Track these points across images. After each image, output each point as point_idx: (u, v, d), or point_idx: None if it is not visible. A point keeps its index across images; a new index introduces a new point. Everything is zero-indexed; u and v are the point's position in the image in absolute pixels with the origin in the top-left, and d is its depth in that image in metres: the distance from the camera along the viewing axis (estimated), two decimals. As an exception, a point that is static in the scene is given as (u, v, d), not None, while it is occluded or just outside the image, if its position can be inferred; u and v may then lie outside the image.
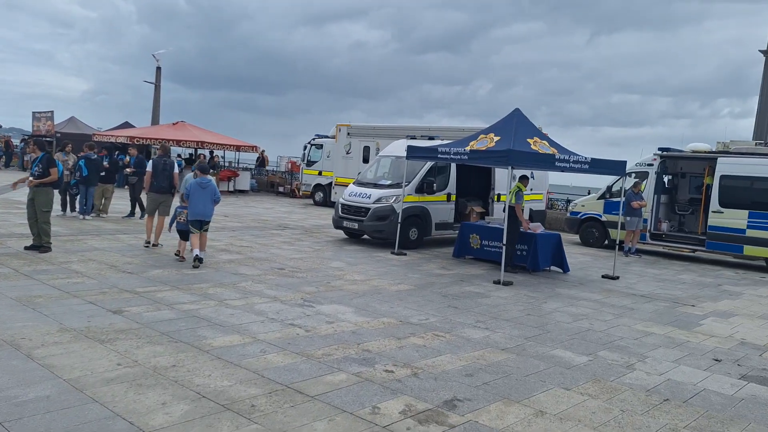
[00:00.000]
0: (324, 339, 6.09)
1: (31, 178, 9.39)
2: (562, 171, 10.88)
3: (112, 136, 26.63)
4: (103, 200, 14.66)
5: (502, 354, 6.04)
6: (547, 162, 10.38)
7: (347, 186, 15.46)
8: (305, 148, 25.02)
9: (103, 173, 14.32)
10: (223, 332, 6.04)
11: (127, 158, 16.20)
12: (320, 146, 24.35)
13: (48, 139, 31.68)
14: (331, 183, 23.21)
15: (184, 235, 9.87)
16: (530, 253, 11.12)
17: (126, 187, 15.95)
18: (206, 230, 9.88)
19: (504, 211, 10.82)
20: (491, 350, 6.14)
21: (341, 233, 14.72)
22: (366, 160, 21.64)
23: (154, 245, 10.89)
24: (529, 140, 10.72)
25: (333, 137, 23.51)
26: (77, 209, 14.25)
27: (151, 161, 11.71)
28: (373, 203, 13.35)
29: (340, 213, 13.93)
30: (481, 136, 11.17)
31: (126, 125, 32.61)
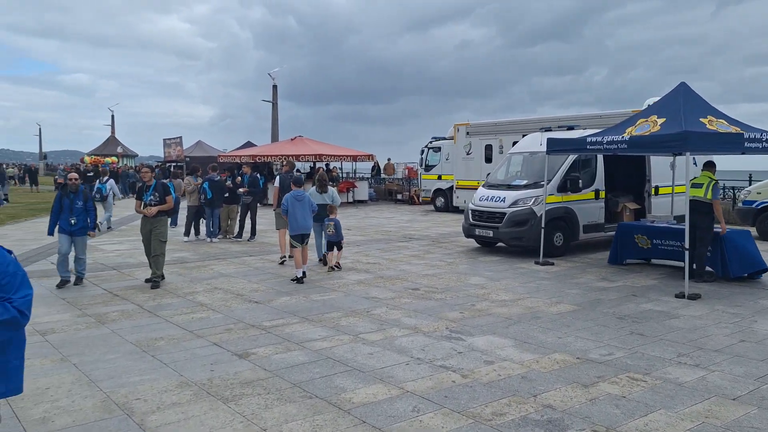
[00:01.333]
0: (488, 388, 4.82)
1: (150, 208, 8.81)
2: (754, 153, 8.81)
3: (235, 156, 27.22)
4: (228, 221, 14.45)
5: (736, 407, 4.43)
6: (734, 143, 8.38)
7: (469, 188, 14.29)
8: (422, 152, 23.96)
9: (226, 194, 14.09)
10: (364, 380, 4.97)
11: (240, 177, 15.61)
12: (438, 149, 23.18)
13: (178, 163, 33.39)
14: (452, 187, 21.93)
15: (331, 246, 10.24)
16: (718, 256, 9.12)
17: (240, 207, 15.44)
18: (307, 243, 9.61)
19: (687, 206, 8.83)
20: (718, 401, 4.55)
21: (472, 242, 13.39)
22: (489, 160, 20.13)
23: (290, 256, 10.52)
24: (702, 120, 8.79)
25: (451, 138, 22.23)
26: (204, 232, 14.13)
27: (278, 177, 11.95)
28: (509, 207, 11.90)
29: (471, 220, 12.60)
30: (640, 120, 9.36)
31: (248, 144, 33.52)
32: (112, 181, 16.93)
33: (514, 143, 18.92)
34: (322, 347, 5.93)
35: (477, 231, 12.43)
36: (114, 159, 39.32)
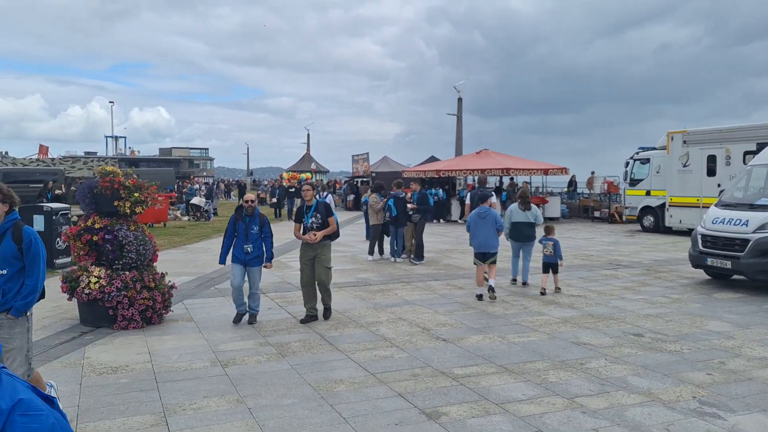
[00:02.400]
0: None
1: (313, 234, 7.62)
2: None
3: (420, 171, 26.97)
4: (413, 240, 13.83)
5: None
6: None
7: (686, 206, 11.93)
8: (627, 164, 21.37)
9: (411, 212, 13.48)
10: (594, 477, 3.67)
11: (409, 194, 14.59)
12: (646, 161, 20.46)
13: (365, 178, 34.25)
14: (663, 204, 19.12)
15: (547, 268, 9.65)
16: None
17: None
18: (494, 262, 9.17)
19: None
20: None
21: (700, 273, 11.09)
22: (712, 173, 17.15)
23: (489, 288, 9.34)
24: None
25: (662, 149, 19.45)
26: (387, 251, 13.64)
27: (468, 193, 11.28)
28: (754, 232, 9.55)
29: (701, 247, 10.38)
30: None
31: (432, 159, 33.25)
32: (330, 196, 17.22)
33: (747, 153, 15.86)
34: (530, 413, 4.72)
35: (709, 260, 10.19)
36: (308, 174, 41.76)
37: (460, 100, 34.29)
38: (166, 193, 25.22)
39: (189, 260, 13.31)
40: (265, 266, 7.69)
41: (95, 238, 7.18)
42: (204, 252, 14.69)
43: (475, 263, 9.22)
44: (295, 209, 20.26)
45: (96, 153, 68.02)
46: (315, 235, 7.59)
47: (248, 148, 79.92)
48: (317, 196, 9.17)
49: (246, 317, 7.69)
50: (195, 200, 25.40)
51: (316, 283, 7.77)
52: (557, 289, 9.63)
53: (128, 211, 7.32)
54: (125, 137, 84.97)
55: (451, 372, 5.72)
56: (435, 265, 12.72)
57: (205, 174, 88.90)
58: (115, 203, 7.27)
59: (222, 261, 7.77)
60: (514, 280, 10.41)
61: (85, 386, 5.35)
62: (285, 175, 43.38)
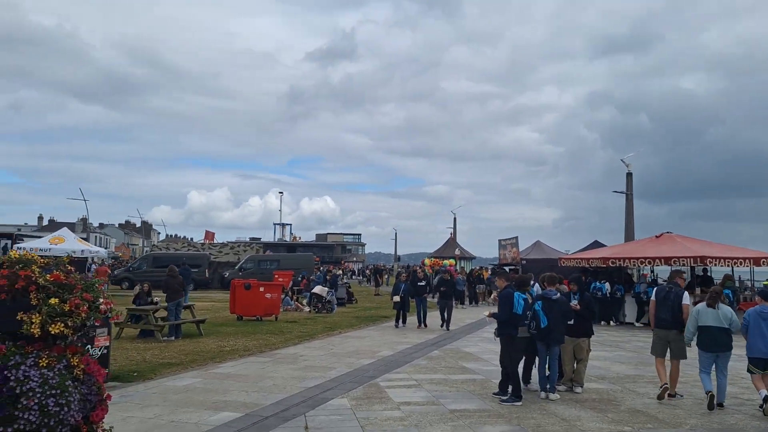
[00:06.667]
0: None
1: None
2: None
3: (581, 259, 22.00)
4: (575, 363, 9.27)
5: None
6: None
7: None
8: None
9: (570, 321, 9.05)
10: None
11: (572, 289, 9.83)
12: None
13: (513, 266, 29.59)
14: None
15: None
16: None
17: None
18: None
19: None
20: None
21: None
22: None
23: (671, 395, 8.44)
24: None
25: None
26: (537, 382, 9.17)
27: (654, 289, 9.58)
28: None
29: None
30: None
31: (596, 245, 27.90)
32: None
33: None
34: None
35: None
36: (452, 261, 38.00)
37: (629, 175, 28.94)
38: (275, 283, 22.89)
39: (260, 375, 9.95)
40: None
41: (-26, 380, 3.97)
42: (291, 362, 11.33)
43: (750, 371, 8.00)
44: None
45: (260, 239, 70.74)
46: None
47: (396, 234, 78.81)
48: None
49: None
50: (316, 289, 22.68)
51: None
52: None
53: (37, 330, 4.06)
54: (290, 224, 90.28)
55: None
56: (614, 409, 8.00)
57: (354, 259, 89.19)
58: (19, 315, 4.07)
59: None
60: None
61: None
62: (427, 261, 40.05)
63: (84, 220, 74.56)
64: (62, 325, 4.12)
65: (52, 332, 4.09)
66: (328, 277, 26.48)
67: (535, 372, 9.23)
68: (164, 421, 7.14)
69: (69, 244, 25.05)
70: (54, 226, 63.38)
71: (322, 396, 8.55)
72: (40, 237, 30.85)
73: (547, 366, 8.82)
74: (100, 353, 9.00)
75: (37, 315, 4.06)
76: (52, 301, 4.09)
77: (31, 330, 4.05)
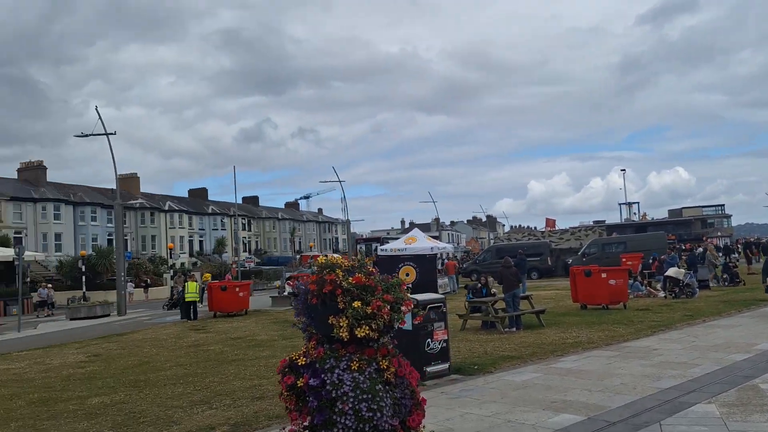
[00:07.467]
0: None
1: None
2: None
3: None
4: None
5: None
6: None
7: None
8: None
9: None
10: None
11: None
12: None
13: None
14: None
15: None
16: None
17: None
18: None
19: None
20: None
21: None
22: None
23: None
24: None
25: None
26: None
27: None
28: None
29: None
30: None
31: None
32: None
33: None
34: None
35: None
36: None
37: None
38: (621, 267, 20.78)
39: (605, 372, 8.92)
40: None
41: (300, 382, 4.22)
42: (642, 357, 9.94)
43: None
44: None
45: (604, 221, 67.81)
46: None
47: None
48: None
49: None
50: (671, 271, 19.98)
51: None
52: None
53: (345, 334, 4.10)
54: (638, 202, 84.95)
55: None
56: None
57: (719, 234, 77.48)
58: (330, 320, 4.18)
59: None
60: None
61: None
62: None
63: (437, 220, 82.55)
64: (367, 327, 4.08)
65: (358, 335, 4.07)
66: (683, 256, 23.20)
67: None
68: (501, 420, 6.83)
69: (420, 242, 27.59)
70: (413, 227, 71.95)
71: (681, 400, 7.14)
72: (397, 239, 34.98)
73: None
74: (440, 347, 9.29)
75: (344, 318, 4.09)
76: (356, 304, 4.07)
77: (340, 333, 4.10)
